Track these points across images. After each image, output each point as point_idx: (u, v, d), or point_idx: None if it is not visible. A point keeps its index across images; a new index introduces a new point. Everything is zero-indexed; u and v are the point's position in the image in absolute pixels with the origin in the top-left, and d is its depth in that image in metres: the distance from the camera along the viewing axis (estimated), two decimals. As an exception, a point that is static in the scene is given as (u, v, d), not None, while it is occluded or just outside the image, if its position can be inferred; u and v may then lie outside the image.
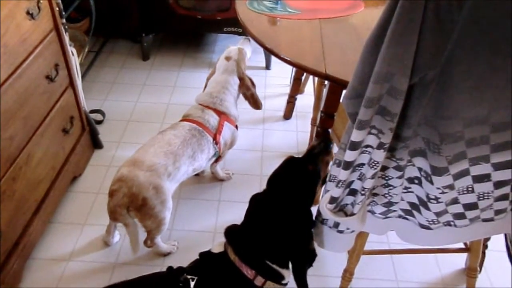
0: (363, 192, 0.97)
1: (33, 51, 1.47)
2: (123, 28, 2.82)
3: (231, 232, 1.13)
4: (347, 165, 0.92)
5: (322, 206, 1.05)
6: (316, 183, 1.18)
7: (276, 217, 1.10)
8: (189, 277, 1.03)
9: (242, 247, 1.09)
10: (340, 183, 0.96)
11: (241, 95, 1.79)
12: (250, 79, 1.75)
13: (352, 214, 1.03)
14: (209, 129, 1.62)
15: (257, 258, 1.07)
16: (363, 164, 0.93)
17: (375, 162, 0.90)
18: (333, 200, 1.00)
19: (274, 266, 1.06)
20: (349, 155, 0.90)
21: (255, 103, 1.77)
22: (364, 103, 0.82)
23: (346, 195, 1.01)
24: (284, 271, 1.08)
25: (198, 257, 1.15)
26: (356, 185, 0.98)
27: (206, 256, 1.10)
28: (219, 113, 1.67)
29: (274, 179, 1.19)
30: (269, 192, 1.17)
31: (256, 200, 1.17)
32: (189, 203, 1.83)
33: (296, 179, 1.16)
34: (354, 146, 0.88)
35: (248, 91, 1.74)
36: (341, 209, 1.04)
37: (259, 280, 1.03)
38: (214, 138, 1.63)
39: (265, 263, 1.05)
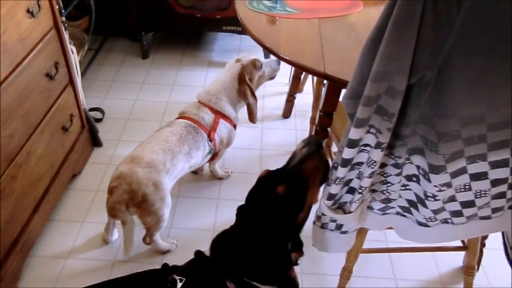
0: (360, 191, 0.97)
1: (33, 49, 1.47)
2: (122, 26, 2.82)
3: (214, 243, 1.06)
4: (345, 163, 0.93)
5: (320, 202, 1.05)
6: (292, 207, 0.96)
7: (246, 243, 1.00)
8: (177, 277, 1.02)
9: (221, 261, 1.03)
10: (338, 179, 0.96)
11: None
12: (251, 90, 1.71)
13: (350, 212, 1.03)
14: (204, 126, 1.63)
15: (235, 274, 1.00)
16: (361, 163, 0.94)
17: (373, 161, 0.91)
18: (331, 196, 1.01)
19: (254, 283, 0.99)
20: (347, 153, 0.91)
21: (250, 114, 1.74)
22: (362, 101, 0.83)
23: (345, 193, 1.02)
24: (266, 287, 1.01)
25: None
26: (355, 183, 0.98)
27: (199, 257, 1.07)
28: (215, 111, 1.68)
29: (246, 201, 1.06)
30: (240, 215, 1.05)
31: (237, 214, 1.08)
32: (188, 201, 1.84)
33: (262, 205, 0.99)
34: (352, 144, 0.89)
35: (245, 99, 1.70)
36: (339, 207, 1.05)
37: None
38: (209, 136, 1.63)
39: (243, 279, 0.99)
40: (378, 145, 0.88)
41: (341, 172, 0.94)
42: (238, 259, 1.00)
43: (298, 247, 0.99)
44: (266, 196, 0.99)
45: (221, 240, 1.05)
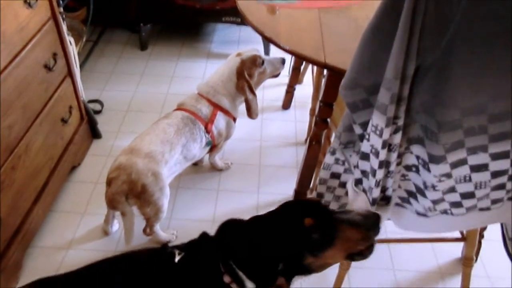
0: (391, 176, 0.96)
1: (31, 40, 1.46)
2: (121, 18, 2.80)
3: (223, 223, 1.06)
4: (382, 164, 0.91)
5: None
6: (304, 244, 0.93)
7: (249, 234, 1.00)
8: (176, 251, 1.03)
9: (222, 243, 1.03)
10: (381, 182, 0.95)
11: None
12: (249, 85, 1.69)
13: (386, 199, 1.02)
14: (201, 118, 1.63)
15: (225, 256, 1.00)
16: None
17: (395, 145, 0.90)
18: (374, 201, 0.99)
19: (239, 272, 0.98)
20: (383, 154, 0.89)
21: (248, 110, 1.73)
22: (390, 100, 0.81)
23: (376, 187, 1.00)
24: (248, 282, 0.98)
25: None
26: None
27: (202, 236, 1.10)
28: (212, 103, 1.67)
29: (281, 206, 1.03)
30: (267, 215, 1.02)
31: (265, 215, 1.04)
32: (188, 193, 1.84)
33: (283, 217, 0.98)
34: (386, 143, 0.88)
35: (243, 94, 1.69)
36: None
37: (227, 278, 0.98)
38: (206, 127, 1.63)
39: (230, 263, 0.98)
40: (397, 130, 0.87)
41: (379, 174, 0.93)
42: (236, 244, 1.00)
43: (288, 276, 0.96)
44: (292, 215, 0.97)
45: (230, 224, 1.05)
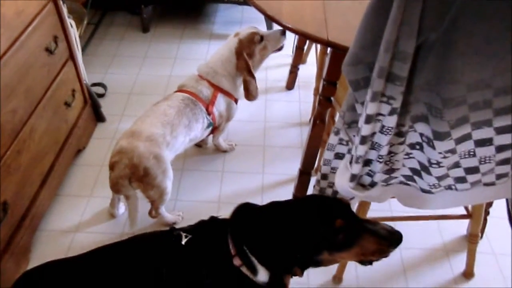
0: (380, 160, 0.96)
1: (31, 23, 1.45)
2: (121, 0, 2.77)
3: (239, 209, 1.07)
4: (364, 140, 0.91)
5: (343, 187, 1.02)
6: (325, 241, 0.96)
7: (268, 219, 1.01)
8: (183, 234, 1.04)
9: (236, 226, 1.04)
10: (360, 158, 0.95)
11: None
12: (248, 66, 1.66)
13: (372, 184, 1.02)
14: (202, 99, 1.62)
15: (238, 240, 1.01)
16: (374, 133, 0.92)
17: (389, 128, 0.89)
18: (353, 177, 0.99)
19: (252, 257, 1.00)
20: (366, 129, 0.89)
21: (246, 91, 1.70)
22: (377, 73, 0.81)
23: (362, 167, 1.00)
24: (260, 268, 1.00)
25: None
26: (372, 155, 0.97)
27: (211, 219, 1.11)
28: (213, 85, 1.66)
29: (305, 196, 1.07)
30: (284, 204, 1.05)
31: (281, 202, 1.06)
32: (193, 175, 1.85)
33: (309, 210, 0.99)
34: (370, 119, 0.87)
35: (242, 75, 1.68)
36: (358, 183, 1.03)
37: (237, 260, 0.99)
38: (207, 109, 1.62)
39: (243, 248, 1.00)
40: (392, 112, 0.86)
41: (361, 150, 0.92)
42: (253, 230, 1.01)
43: (302, 266, 1.00)
44: (323, 211, 0.98)
45: (246, 208, 1.06)
